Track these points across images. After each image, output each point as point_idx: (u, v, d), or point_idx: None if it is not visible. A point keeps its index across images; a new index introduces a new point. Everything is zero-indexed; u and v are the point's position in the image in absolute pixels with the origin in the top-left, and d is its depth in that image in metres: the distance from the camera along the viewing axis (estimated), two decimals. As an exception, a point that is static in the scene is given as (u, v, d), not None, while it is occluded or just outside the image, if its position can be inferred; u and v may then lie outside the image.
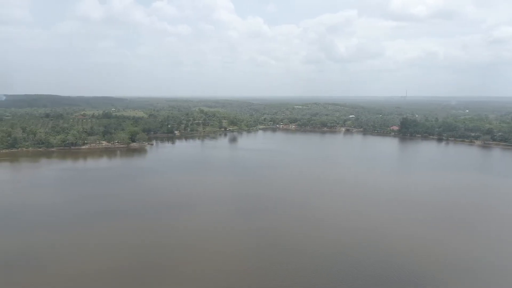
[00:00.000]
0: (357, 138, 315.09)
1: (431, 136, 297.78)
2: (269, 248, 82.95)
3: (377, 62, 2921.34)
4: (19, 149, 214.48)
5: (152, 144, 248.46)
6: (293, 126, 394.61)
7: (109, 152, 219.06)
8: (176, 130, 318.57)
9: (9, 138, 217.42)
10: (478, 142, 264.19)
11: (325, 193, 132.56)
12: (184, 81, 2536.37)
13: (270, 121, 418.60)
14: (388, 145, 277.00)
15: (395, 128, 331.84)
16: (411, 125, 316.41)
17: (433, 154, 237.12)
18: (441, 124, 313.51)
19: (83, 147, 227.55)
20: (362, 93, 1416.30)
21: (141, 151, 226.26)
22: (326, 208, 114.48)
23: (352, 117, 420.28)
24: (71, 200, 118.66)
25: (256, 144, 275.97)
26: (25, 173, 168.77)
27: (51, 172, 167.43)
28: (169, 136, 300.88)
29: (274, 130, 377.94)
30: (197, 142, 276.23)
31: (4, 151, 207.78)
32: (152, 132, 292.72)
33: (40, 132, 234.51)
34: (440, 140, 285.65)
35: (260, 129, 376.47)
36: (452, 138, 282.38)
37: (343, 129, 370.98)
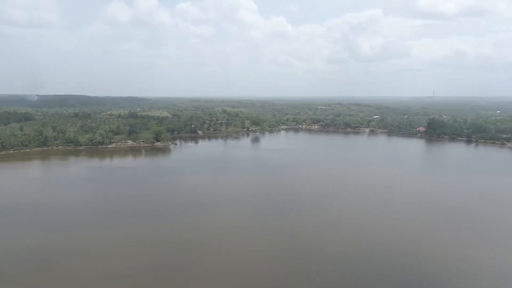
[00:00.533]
0: (382, 139, 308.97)
1: (460, 138, 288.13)
2: (291, 248, 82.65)
3: (402, 61, 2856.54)
4: (50, 147, 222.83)
5: (175, 144, 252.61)
6: (316, 127, 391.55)
7: (134, 151, 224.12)
8: (199, 130, 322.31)
9: (40, 136, 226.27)
10: (510, 144, 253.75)
11: (347, 194, 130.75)
12: (207, 81, 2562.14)
13: (293, 121, 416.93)
14: (414, 147, 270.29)
15: (422, 129, 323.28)
16: (438, 126, 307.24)
17: (461, 156, 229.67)
18: (470, 125, 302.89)
19: (110, 146, 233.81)
20: (387, 93, 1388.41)
21: (165, 150, 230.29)
22: (348, 209, 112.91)
23: (377, 117, 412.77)
24: (97, 198, 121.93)
25: (278, 144, 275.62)
26: (55, 171, 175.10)
27: (80, 170, 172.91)
28: (193, 135, 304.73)
29: (296, 130, 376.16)
30: (219, 142, 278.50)
31: (36, 149, 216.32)
32: (176, 132, 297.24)
33: (69, 131, 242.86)
34: (469, 141, 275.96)
35: (282, 129, 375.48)
36: (482, 140, 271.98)
37: (367, 130, 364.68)
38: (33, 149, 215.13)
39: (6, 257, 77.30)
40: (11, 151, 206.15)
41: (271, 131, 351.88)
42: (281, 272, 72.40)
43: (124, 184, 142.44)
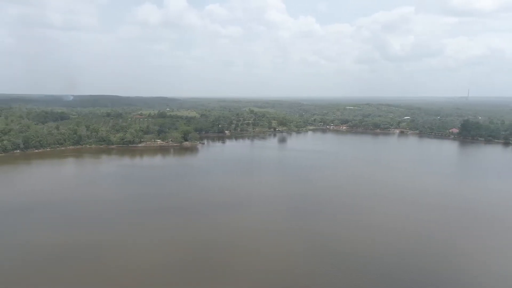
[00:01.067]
0: (412, 141, 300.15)
1: (496, 140, 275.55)
2: (319, 250, 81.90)
3: (435, 60, 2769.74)
4: (83, 145, 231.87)
5: (203, 143, 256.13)
6: (344, 127, 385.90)
7: (163, 150, 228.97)
8: (227, 130, 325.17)
9: (75, 135, 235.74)
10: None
11: (376, 196, 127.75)
12: (235, 81, 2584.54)
13: (320, 122, 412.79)
14: (447, 149, 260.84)
15: (455, 130, 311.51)
16: (472, 127, 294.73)
17: (497, 159, 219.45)
18: (508, 127, 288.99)
19: (140, 145, 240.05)
20: (418, 94, 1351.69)
21: (193, 149, 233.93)
22: (377, 211, 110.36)
23: (407, 118, 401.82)
24: (129, 196, 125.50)
25: (305, 145, 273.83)
26: (89, 169, 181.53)
27: (112, 168, 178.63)
28: (220, 135, 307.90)
29: (324, 131, 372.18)
30: (246, 142, 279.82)
31: (70, 147, 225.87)
32: (203, 132, 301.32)
33: (101, 130, 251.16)
34: (506, 144, 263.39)
35: (309, 130, 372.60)
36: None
37: (397, 131, 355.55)
38: (68, 147, 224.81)
39: (62, 249, 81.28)
40: (48, 149, 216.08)
41: (298, 132, 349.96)
42: (311, 272, 71.84)
43: (155, 183, 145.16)
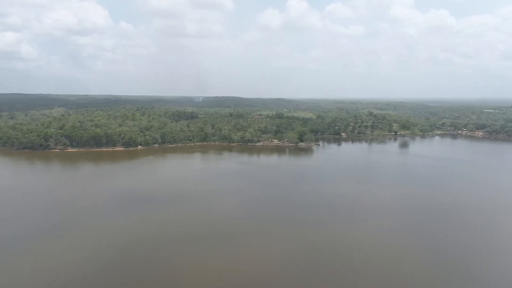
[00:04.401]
0: None
1: None
2: (454, 269, 73.19)
3: None
4: (209, 142, 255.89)
5: (318, 145, 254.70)
6: (480, 133, 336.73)
7: (279, 150, 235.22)
8: (343, 132, 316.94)
9: (202, 133, 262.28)
10: None
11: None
12: (354, 82, 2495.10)
13: (450, 126, 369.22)
14: None
15: None
16: None
17: None
18: None
19: (258, 144, 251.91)
20: None
21: (308, 150, 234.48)
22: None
23: None
24: (251, 198, 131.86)
25: (430, 151, 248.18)
26: (215, 164, 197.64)
27: (234, 165, 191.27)
28: (336, 137, 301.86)
29: (454, 136, 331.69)
30: (364, 145, 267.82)
31: (198, 143, 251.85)
32: (319, 133, 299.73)
33: (224, 129, 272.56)
34: None
35: (436, 134, 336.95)
36: None
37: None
38: (196, 143, 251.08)
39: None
40: (179, 144, 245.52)
41: (422, 136, 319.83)
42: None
43: (272, 184, 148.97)
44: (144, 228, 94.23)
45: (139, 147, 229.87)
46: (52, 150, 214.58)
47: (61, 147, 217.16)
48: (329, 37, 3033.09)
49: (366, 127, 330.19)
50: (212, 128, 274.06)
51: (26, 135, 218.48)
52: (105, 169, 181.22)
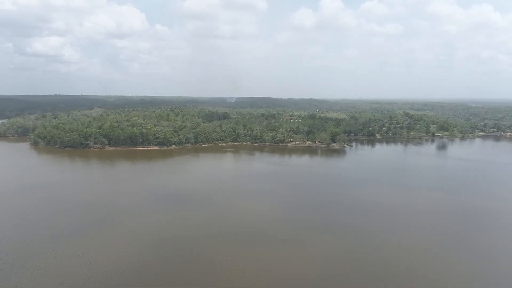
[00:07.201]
0: None
1: None
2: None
3: None
4: (240, 142, 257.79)
5: (351, 146, 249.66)
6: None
7: (311, 151, 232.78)
8: (377, 133, 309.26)
9: (234, 133, 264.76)
10: None
11: None
12: (390, 82, 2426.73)
13: (493, 127, 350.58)
14: None
15: None
16: None
17: None
18: None
19: (289, 144, 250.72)
20: None
21: (340, 152, 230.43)
22: None
23: None
24: (284, 199, 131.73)
25: (471, 153, 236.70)
26: (244, 164, 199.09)
27: (264, 165, 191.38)
28: (369, 139, 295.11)
29: (497, 138, 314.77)
30: (399, 147, 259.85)
31: (230, 143, 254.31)
32: (352, 134, 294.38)
33: (256, 129, 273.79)
34: None
35: (478, 136, 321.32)
36: None
37: None
38: (227, 143, 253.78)
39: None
40: (212, 144, 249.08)
41: (462, 138, 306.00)
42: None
43: (305, 186, 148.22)
44: (182, 226, 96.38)
45: (173, 146, 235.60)
46: (91, 148, 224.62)
47: (99, 145, 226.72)
48: (364, 36, 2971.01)
49: (402, 128, 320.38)
50: (244, 128, 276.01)
51: (68, 134, 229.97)
52: (142, 167, 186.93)
